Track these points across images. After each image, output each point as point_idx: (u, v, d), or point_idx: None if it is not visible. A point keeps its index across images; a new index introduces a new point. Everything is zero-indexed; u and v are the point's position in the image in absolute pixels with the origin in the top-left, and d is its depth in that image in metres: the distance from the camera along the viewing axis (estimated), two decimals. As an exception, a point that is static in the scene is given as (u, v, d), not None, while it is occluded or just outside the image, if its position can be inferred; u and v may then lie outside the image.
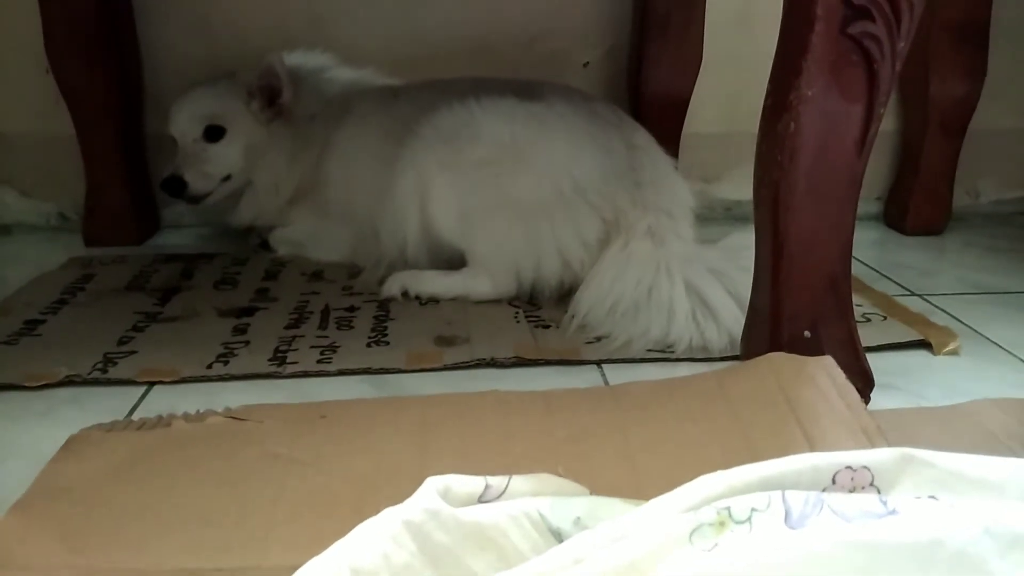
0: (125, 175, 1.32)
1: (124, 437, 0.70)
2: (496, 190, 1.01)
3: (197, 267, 1.19)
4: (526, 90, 1.08)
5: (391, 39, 1.36)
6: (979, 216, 1.52)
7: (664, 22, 1.32)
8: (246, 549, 0.57)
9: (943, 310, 1.05)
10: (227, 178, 1.20)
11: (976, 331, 0.99)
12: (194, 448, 0.69)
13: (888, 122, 1.46)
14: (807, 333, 0.77)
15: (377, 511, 0.49)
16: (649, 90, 1.36)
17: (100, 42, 1.25)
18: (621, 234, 1.01)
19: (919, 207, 1.41)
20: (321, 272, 1.17)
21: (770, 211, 0.75)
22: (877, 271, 1.22)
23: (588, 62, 1.42)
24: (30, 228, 1.40)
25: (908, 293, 1.12)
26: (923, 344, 0.94)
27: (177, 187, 1.16)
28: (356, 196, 1.14)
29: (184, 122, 1.17)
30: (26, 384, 0.83)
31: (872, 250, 1.34)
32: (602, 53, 1.42)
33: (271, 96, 1.18)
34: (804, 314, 0.76)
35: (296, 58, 1.23)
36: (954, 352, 0.92)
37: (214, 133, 1.17)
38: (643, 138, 1.07)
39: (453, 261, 1.07)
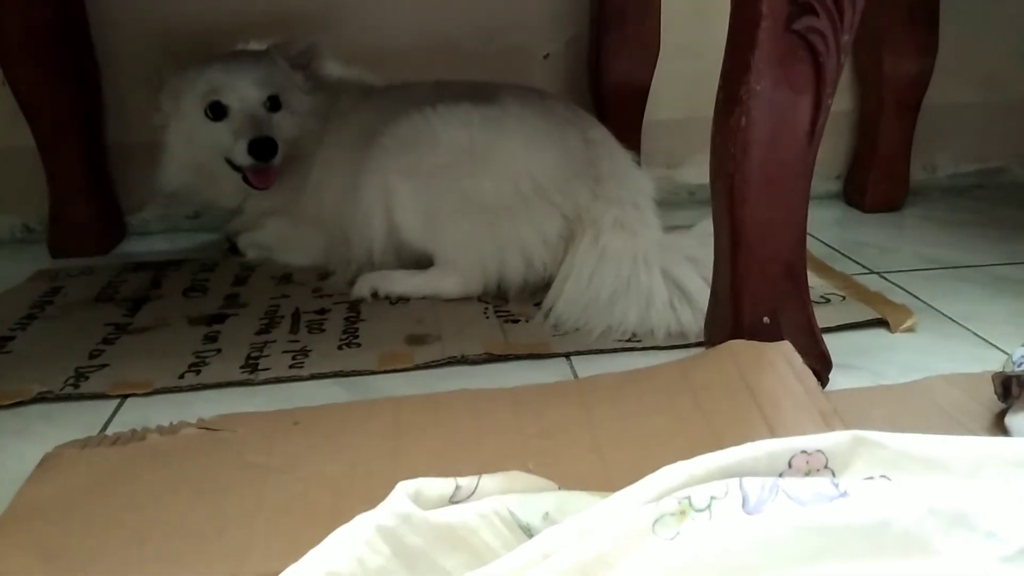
0: (89, 185, 1.31)
1: (99, 453, 0.70)
2: (457, 194, 1.02)
3: (166, 275, 1.19)
4: (482, 93, 1.09)
5: (351, 37, 1.36)
6: (937, 190, 1.55)
7: (621, 13, 1.33)
8: (226, 560, 0.58)
9: (901, 287, 1.08)
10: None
11: (933, 307, 1.02)
12: (170, 461, 0.70)
13: (844, 101, 1.49)
14: (766, 319, 0.79)
15: (353, 516, 0.51)
16: (609, 80, 1.37)
17: (57, 53, 1.24)
18: (587, 229, 1.02)
19: (877, 184, 1.44)
20: (290, 275, 1.17)
21: (726, 202, 0.77)
22: (837, 250, 1.25)
23: (548, 54, 1.43)
24: (-6, 242, 1.39)
25: (867, 271, 1.15)
26: (881, 322, 0.96)
27: (270, 149, 1.10)
28: (325, 200, 1.15)
29: (250, 89, 1.13)
30: (-1, 403, 0.83)
31: (832, 229, 1.36)
32: (562, 45, 1.43)
33: (307, 69, 1.19)
34: (763, 301, 0.79)
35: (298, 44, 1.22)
36: (910, 329, 0.95)
37: (273, 103, 1.15)
38: (599, 132, 1.09)
39: (421, 260, 1.08)
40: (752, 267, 0.78)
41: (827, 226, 1.38)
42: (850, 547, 0.46)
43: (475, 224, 1.03)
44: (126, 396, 0.85)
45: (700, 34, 1.34)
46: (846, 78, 1.48)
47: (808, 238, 1.26)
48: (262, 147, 1.10)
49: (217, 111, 1.14)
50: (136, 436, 0.73)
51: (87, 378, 0.87)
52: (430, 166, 1.03)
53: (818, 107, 0.74)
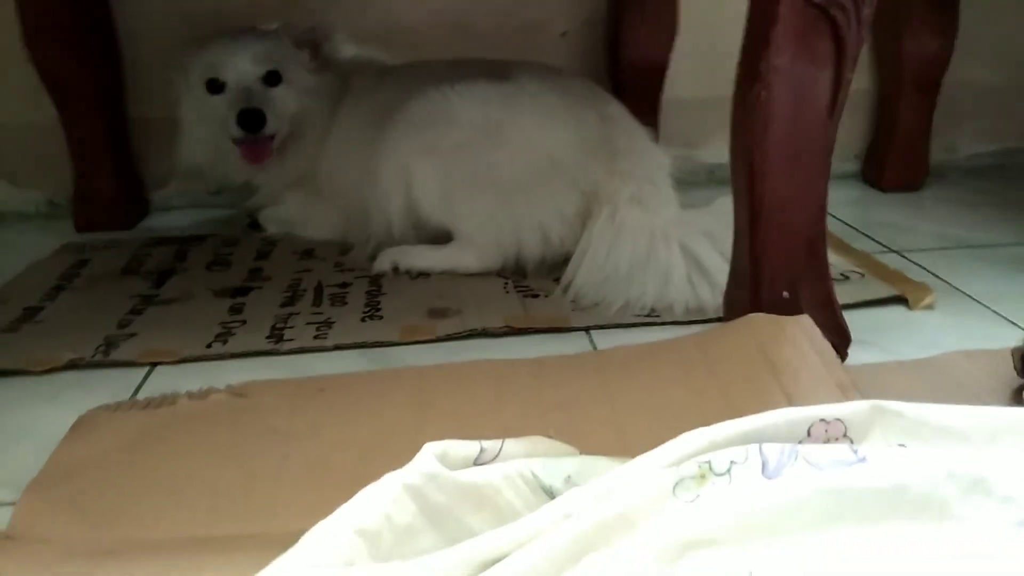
0: (112, 160, 1.33)
1: (131, 416, 0.72)
2: (475, 170, 1.04)
3: (189, 249, 1.21)
4: (499, 71, 1.10)
5: (368, 17, 1.37)
6: (956, 171, 1.54)
7: (640, -10, 1.33)
8: (254, 517, 0.60)
9: (920, 265, 1.09)
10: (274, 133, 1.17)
11: (952, 285, 1.02)
12: (199, 424, 0.71)
13: (863, 80, 1.48)
14: (786, 294, 0.80)
15: (376, 478, 0.52)
16: (627, 58, 1.37)
17: (78, 30, 1.25)
18: (604, 205, 1.03)
19: (896, 164, 1.44)
20: (312, 250, 1.19)
21: (746, 177, 0.78)
22: (856, 229, 1.25)
23: (566, 31, 1.43)
24: (20, 216, 1.41)
25: (886, 250, 1.15)
26: (900, 300, 0.97)
27: (258, 120, 1.11)
28: (345, 176, 1.16)
29: (246, 64, 1.14)
30: (31, 369, 0.85)
31: (851, 208, 1.36)
32: (579, 22, 1.43)
33: (314, 49, 1.19)
34: (782, 276, 0.79)
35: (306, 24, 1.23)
36: (929, 306, 0.95)
37: (273, 78, 1.16)
38: (616, 109, 1.09)
39: (439, 236, 1.09)
40: (771, 242, 0.79)
41: (846, 205, 1.38)
42: (868, 510, 0.47)
43: (492, 200, 1.04)
44: (155, 364, 0.87)
45: (719, 10, 1.34)
46: (865, 57, 1.47)
47: (827, 217, 1.28)
48: (249, 118, 1.11)
49: (215, 86, 1.15)
50: (166, 401, 0.74)
51: (117, 346, 0.89)
52: (448, 143, 1.04)
53: (839, 82, 0.74)
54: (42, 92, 1.28)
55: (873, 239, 1.20)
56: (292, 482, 0.64)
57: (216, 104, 1.15)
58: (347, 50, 1.26)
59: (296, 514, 0.59)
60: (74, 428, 0.71)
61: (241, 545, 0.57)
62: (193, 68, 1.16)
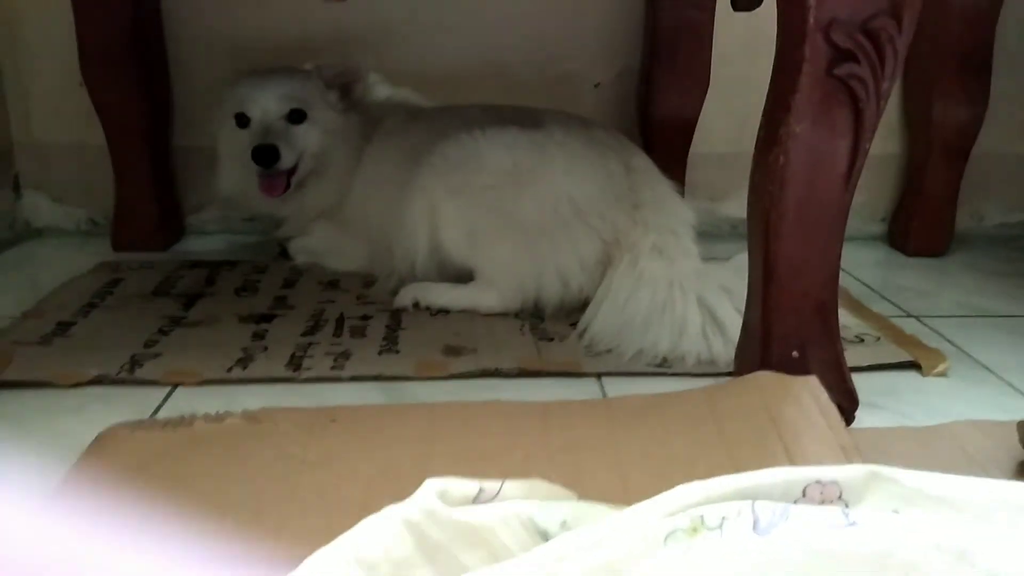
0: (153, 184, 1.38)
1: (149, 435, 0.75)
2: (500, 213, 1.06)
3: (220, 274, 1.25)
4: (529, 118, 1.13)
5: (412, 60, 1.42)
6: (983, 239, 1.55)
7: (673, 48, 1.36)
8: (261, 540, 0.62)
9: (937, 332, 1.09)
10: (295, 168, 1.21)
11: (967, 353, 1.02)
12: (214, 447, 0.74)
13: (893, 145, 1.50)
14: (795, 353, 0.81)
15: (380, 509, 0.54)
16: (658, 112, 1.40)
17: (131, 59, 1.31)
18: (625, 253, 1.05)
19: (921, 229, 1.44)
20: (337, 281, 1.22)
21: (761, 237, 0.80)
22: (877, 292, 1.25)
23: (599, 83, 1.47)
24: (61, 233, 1.47)
25: (904, 315, 1.16)
26: (913, 365, 0.97)
27: (271, 155, 1.16)
28: (373, 212, 1.20)
29: (271, 102, 1.20)
30: (58, 382, 0.88)
31: (874, 270, 1.37)
32: (613, 75, 1.47)
33: (344, 89, 1.24)
34: (792, 335, 0.80)
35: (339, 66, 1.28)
36: (942, 374, 0.95)
37: (297, 116, 1.21)
38: (641, 161, 1.12)
39: (461, 275, 1.11)
40: (783, 302, 0.80)
41: (869, 267, 1.38)
42: (854, 572, 0.47)
43: (516, 243, 1.06)
44: (176, 385, 0.89)
45: (750, 71, 1.35)
46: (895, 122, 1.49)
47: (848, 278, 1.29)
48: (263, 153, 1.16)
49: (242, 120, 1.21)
50: (184, 422, 0.77)
51: (141, 365, 0.92)
52: (475, 186, 1.08)
53: (856, 151, 0.76)
54: (93, 115, 1.34)
55: (893, 303, 1.20)
56: (300, 508, 0.65)
57: (242, 137, 1.20)
58: (381, 90, 1.31)
59: (301, 539, 0.61)
60: (94, 443, 0.74)
61: (244, 568, 0.59)
62: (226, 102, 1.22)
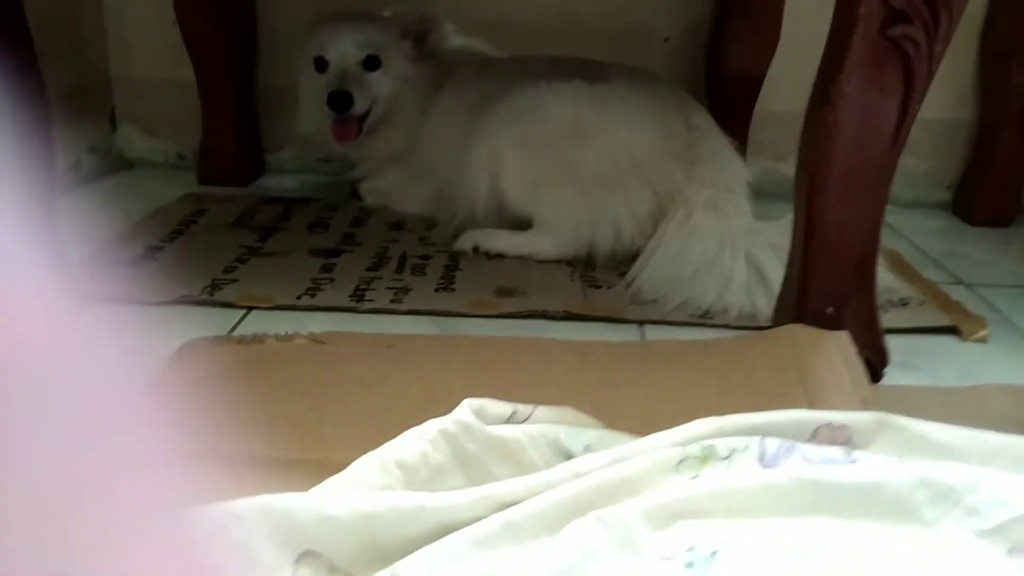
0: (237, 122, 1.46)
1: (226, 348, 0.83)
2: (560, 164, 1.11)
3: (294, 210, 1.33)
4: (594, 71, 1.16)
5: (486, 10, 1.45)
6: (1053, 211, 1.51)
7: (744, 4, 1.36)
8: (317, 447, 0.69)
9: (986, 300, 1.09)
10: (367, 113, 1.26)
11: (1012, 322, 1.03)
12: (282, 363, 0.81)
13: (963, 111, 1.47)
14: (830, 309, 0.83)
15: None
16: (725, 67, 1.41)
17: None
18: (679, 207, 1.08)
19: (987, 198, 1.42)
20: (403, 223, 1.28)
21: (806, 193, 0.82)
22: (934, 259, 1.25)
23: (668, 37, 1.48)
24: (151, 165, 1.57)
25: (956, 282, 1.16)
26: (955, 330, 0.98)
27: (345, 101, 1.21)
28: (440, 158, 1.25)
29: (348, 47, 1.24)
30: (147, 300, 0.98)
31: (933, 238, 1.36)
32: (682, 29, 1.47)
33: (419, 38, 1.28)
34: (829, 291, 0.83)
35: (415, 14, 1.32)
36: (982, 340, 0.96)
37: (372, 63, 1.26)
38: (701, 118, 1.14)
39: (519, 222, 1.16)
40: (822, 258, 0.83)
41: (929, 234, 1.37)
42: (843, 504, 0.52)
43: (573, 193, 1.11)
44: (251, 308, 0.98)
45: (822, 29, 1.34)
46: (969, 88, 1.46)
47: (906, 244, 1.29)
48: (337, 99, 1.20)
49: (321, 65, 1.25)
50: (256, 339, 0.85)
51: (221, 288, 1.01)
52: (537, 136, 1.12)
53: (905, 113, 0.77)
54: (184, 52, 1.42)
55: (946, 269, 1.21)
56: (354, 421, 0.73)
57: (319, 81, 1.25)
58: (455, 40, 1.35)
59: (353, 448, 0.68)
60: (177, 353, 0.82)
61: (302, 468, 0.66)
62: (307, 46, 1.27)
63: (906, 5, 0.72)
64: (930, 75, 0.76)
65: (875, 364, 0.83)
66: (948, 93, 1.45)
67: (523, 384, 0.78)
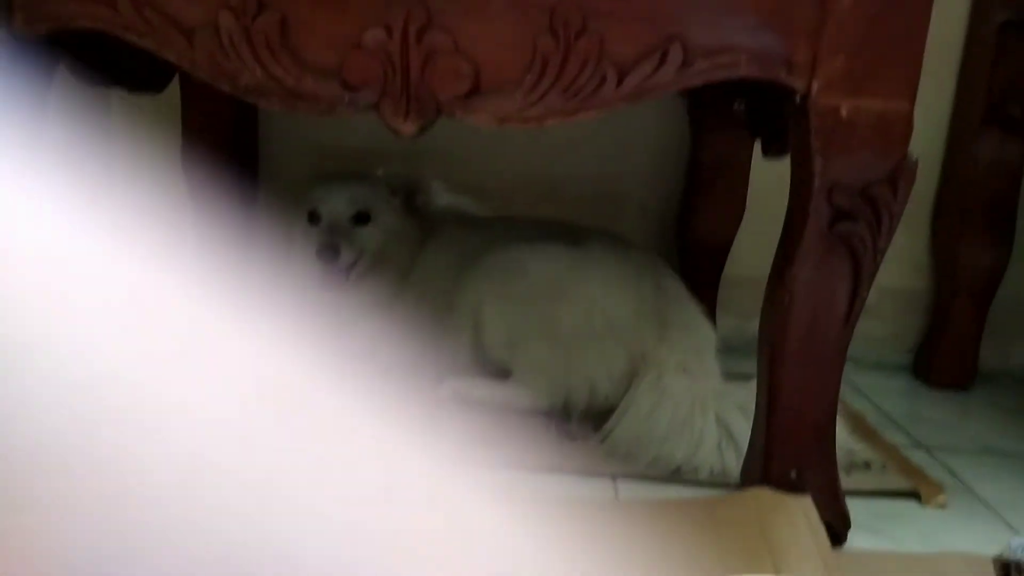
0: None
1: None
2: (538, 320, 1.18)
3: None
4: (572, 235, 1.26)
5: (473, 172, 1.56)
6: (1009, 377, 1.58)
7: (711, 179, 1.48)
8: None
9: (945, 465, 1.14)
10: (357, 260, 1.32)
11: (970, 488, 1.07)
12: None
13: (920, 281, 1.57)
14: (793, 474, 0.88)
15: None
16: (695, 235, 1.52)
17: (231, 154, 1.49)
18: (651, 368, 1.14)
19: (945, 363, 1.50)
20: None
21: (767, 365, 0.89)
22: (894, 420, 1.31)
23: (643, 204, 1.59)
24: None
25: (917, 445, 1.21)
26: (915, 495, 1.03)
27: (334, 252, 1.27)
28: (424, 308, 1.31)
29: (339, 203, 1.31)
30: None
31: (894, 400, 1.43)
32: (656, 199, 1.59)
33: (408, 196, 1.37)
34: (791, 457, 0.88)
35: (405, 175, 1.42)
36: (941, 505, 1.01)
37: (362, 217, 1.32)
38: (672, 282, 1.23)
39: (500, 372, 1.22)
40: (784, 426, 0.88)
41: (891, 396, 1.44)
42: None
43: (551, 348, 1.17)
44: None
45: (782, 203, 1.46)
46: (923, 259, 1.57)
47: (869, 405, 1.36)
48: (325, 249, 1.27)
49: (313, 218, 1.33)
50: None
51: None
52: (518, 293, 1.19)
53: (855, 296, 0.85)
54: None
55: (908, 433, 1.26)
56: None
57: (311, 233, 1.32)
58: (443, 198, 1.44)
59: None
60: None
61: None
62: (302, 200, 1.36)
63: (851, 206, 0.82)
64: (876, 265, 0.85)
65: (837, 528, 0.87)
66: (905, 264, 1.56)
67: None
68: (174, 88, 1.42)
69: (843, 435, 1.01)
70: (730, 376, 1.18)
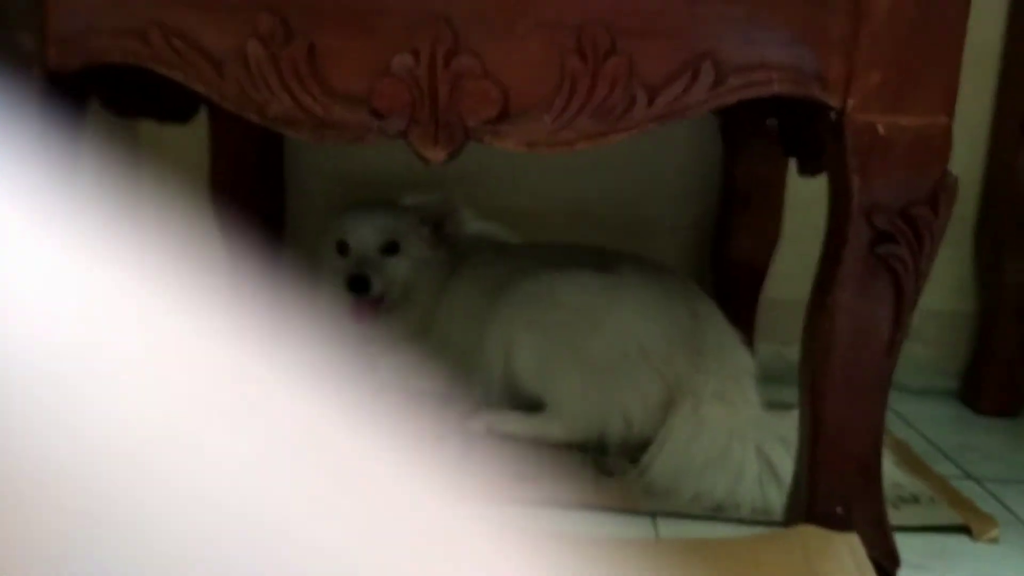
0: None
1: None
2: (570, 349, 1.15)
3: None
4: (604, 260, 1.23)
5: (503, 198, 1.54)
6: (1060, 402, 1.53)
7: (746, 198, 1.45)
8: None
9: (995, 496, 1.09)
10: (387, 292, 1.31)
11: (1022, 521, 1.02)
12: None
13: (966, 303, 1.52)
14: (839, 510, 0.84)
15: None
16: (731, 258, 1.48)
17: (255, 185, 1.49)
18: (688, 397, 1.11)
19: (992, 389, 1.45)
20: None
21: (809, 396, 0.85)
22: (942, 450, 1.26)
23: (676, 226, 1.56)
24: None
25: (965, 476, 1.16)
26: (966, 529, 0.98)
27: (364, 285, 1.27)
28: (454, 338, 1.30)
29: (368, 234, 1.31)
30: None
31: (942, 428, 1.37)
32: (689, 221, 1.56)
33: (437, 224, 1.36)
34: (837, 492, 0.84)
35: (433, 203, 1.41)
36: (994, 540, 0.96)
37: (391, 247, 1.32)
38: (707, 307, 1.19)
39: (532, 404, 1.19)
40: (828, 460, 0.84)
41: (938, 424, 1.38)
42: None
43: (583, 379, 1.14)
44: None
45: (820, 221, 1.43)
46: (969, 281, 1.52)
47: (915, 434, 1.30)
48: (356, 282, 1.26)
49: (342, 248, 1.32)
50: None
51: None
52: (549, 321, 1.17)
53: (898, 322, 0.81)
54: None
55: (956, 463, 1.21)
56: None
57: (340, 264, 1.32)
58: (472, 225, 1.43)
59: None
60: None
61: None
62: (330, 231, 1.36)
63: (891, 227, 0.78)
64: (919, 287, 0.81)
65: (886, 566, 0.83)
66: (949, 286, 1.51)
67: None
68: (201, 118, 1.43)
69: (889, 467, 0.97)
70: (771, 405, 1.15)
